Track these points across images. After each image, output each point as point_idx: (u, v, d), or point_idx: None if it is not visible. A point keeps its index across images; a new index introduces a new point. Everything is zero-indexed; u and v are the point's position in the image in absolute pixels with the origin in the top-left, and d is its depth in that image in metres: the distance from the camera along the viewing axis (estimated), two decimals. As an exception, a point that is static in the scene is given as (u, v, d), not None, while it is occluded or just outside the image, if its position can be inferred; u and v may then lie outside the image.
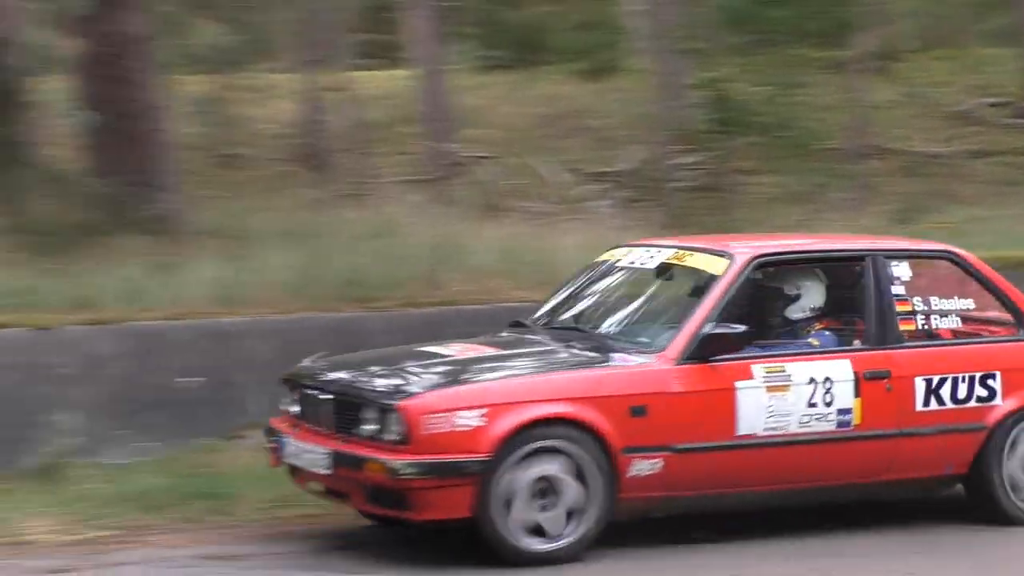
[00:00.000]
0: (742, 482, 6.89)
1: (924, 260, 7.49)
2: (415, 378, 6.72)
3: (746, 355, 6.87)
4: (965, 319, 7.41)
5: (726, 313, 6.84)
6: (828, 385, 6.94)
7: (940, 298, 7.33)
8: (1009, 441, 7.27)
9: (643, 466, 6.63)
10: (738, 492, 6.93)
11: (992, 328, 7.55)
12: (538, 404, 6.49)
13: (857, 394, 6.99)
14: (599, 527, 6.58)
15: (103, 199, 11.85)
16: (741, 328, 6.76)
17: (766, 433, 6.83)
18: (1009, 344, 7.42)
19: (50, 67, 14.67)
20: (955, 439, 7.19)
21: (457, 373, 6.76)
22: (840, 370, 6.98)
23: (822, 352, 7.07)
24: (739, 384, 6.78)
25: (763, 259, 7.15)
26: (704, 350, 6.73)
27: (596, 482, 6.51)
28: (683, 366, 6.73)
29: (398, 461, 6.31)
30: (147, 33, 12.57)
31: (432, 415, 6.35)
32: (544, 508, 6.48)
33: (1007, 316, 7.48)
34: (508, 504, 6.41)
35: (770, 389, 6.84)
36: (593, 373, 6.72)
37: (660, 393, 6.64)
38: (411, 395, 6.46)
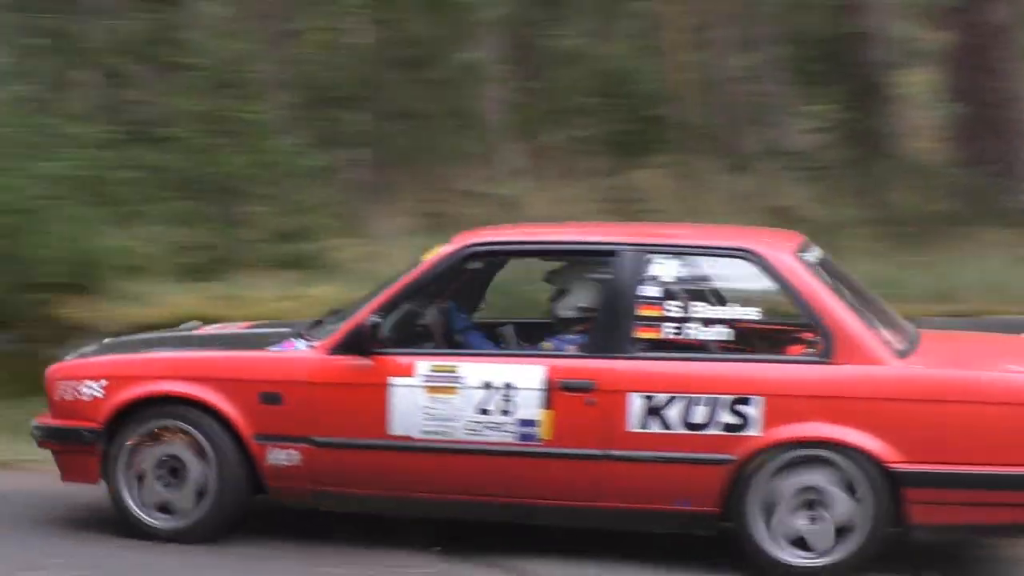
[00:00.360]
0: (401, 486, 6.17)
1: (713, 258, 6.10)
2: (100, 349, 6.82)
3: (417, 351, 6.20)
4: (753, 331, 6.04)
5: (422, 304, 6.36)
6: (508, 392, 5.99)
7: (714, 304, 6.00)
8: (767, 479, 5.81)
9: (280, 456, 6.22)
10: (399, 496, 6.20)
11: (791, 344, 6.08)
12: (156, 381, 6.31)
13: (547, 406, 5.95)
14: (224, 511, 6.26)
15: (966, 190, 11.76)
16: (373, 320, 6.09)
17: (424, 437, 6.07)
18: (788, 365, 5.93)
19: (913, 60, 14.79)
20: (689, 470, 5.87)
21: (132, 347, 6.77)
22: (528, 377, 5.98)
23: (512, 355, 6.23)
24: (394, 381, 6.08)
25: (477, 249, 6.33)
26: (356, 342, 6.13)
27: (218, 464, 6.23)
28: (334, 357, 6.17)
29: (33, 423, 6.58)
30: (1013, 22, 12.31)
31: (62, 382, 6.43)
32: (171, 487, 6.30)
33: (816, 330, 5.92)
34: (139, 479, 6.31)
35: (432, 390, 6.06)
36: (228, 355, 6.43)
37: (298, 382, 6.18)
38: (57, 362, 6.67)
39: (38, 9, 13.17)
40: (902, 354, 5.88)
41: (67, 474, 6.55)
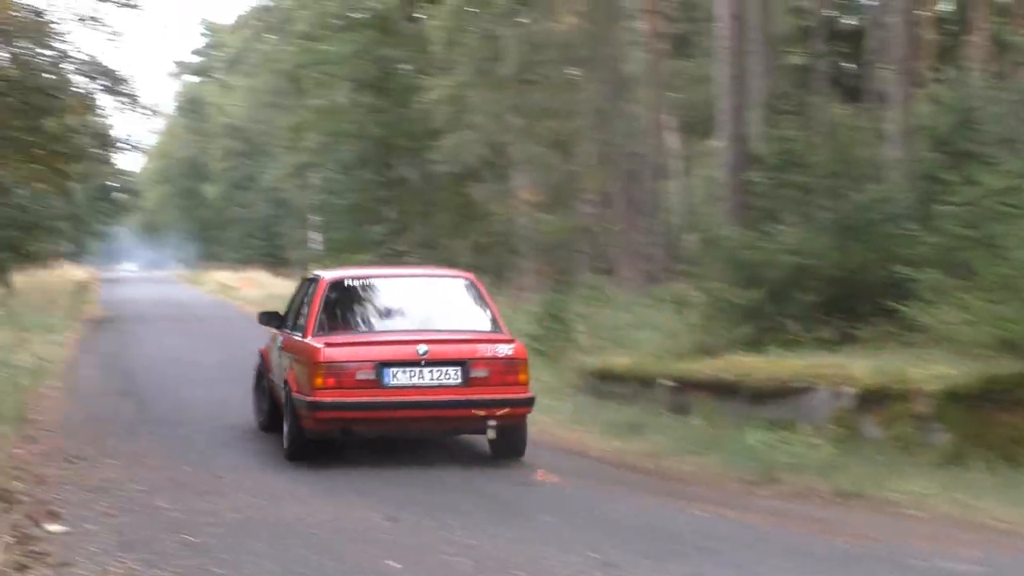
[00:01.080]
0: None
1: (313, 282, 12.64)
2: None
3: (282, 329, 12.91)
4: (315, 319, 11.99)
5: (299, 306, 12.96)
6: (280, 351, 12.67)
7: (302, 306, 12.53)
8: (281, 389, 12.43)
9: (273, 381, 13.19)
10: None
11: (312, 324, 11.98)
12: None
13: (280, 356, 12.62)
14: (270, 416, 13.56)
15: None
16: (265, 312, 13.72)
17: (276, 369, 12.78)
18: (296, 337, 12.14)
19: None
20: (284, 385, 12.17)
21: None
22: (280, 342, 12.80)
23: (284, 331, 12.82)
24: (274, 343, 13.15)
25: (311, 276, 13.29)
26: (267, 324, 13.51)
27: (267, 387, 13.71)
28: (274, 331, 13.34)
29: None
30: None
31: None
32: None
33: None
34: (259, 401, 14.53)
35: (280, 348, 12.68)
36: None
37: (268, 345, 13.80)
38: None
39: None
40: (320, 334, 11.65)
41: None
